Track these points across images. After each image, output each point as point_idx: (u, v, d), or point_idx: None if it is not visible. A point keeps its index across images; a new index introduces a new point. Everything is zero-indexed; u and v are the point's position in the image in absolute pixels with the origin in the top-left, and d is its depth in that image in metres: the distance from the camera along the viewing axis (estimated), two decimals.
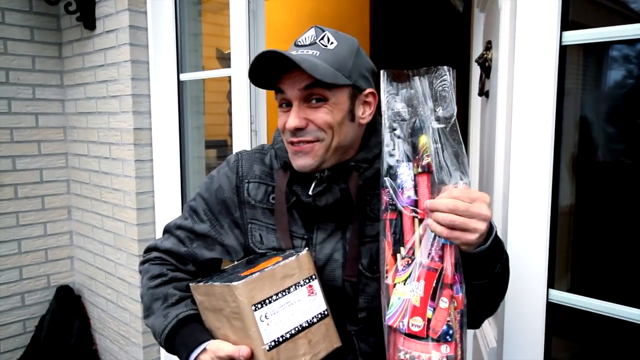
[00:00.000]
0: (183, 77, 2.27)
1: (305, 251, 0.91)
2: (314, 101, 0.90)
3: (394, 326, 0.79)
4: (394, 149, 0.81)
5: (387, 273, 0.82)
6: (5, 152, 2.54)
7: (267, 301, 0.83)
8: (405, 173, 0.80)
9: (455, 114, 0.79)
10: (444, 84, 0.79)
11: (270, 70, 0.90)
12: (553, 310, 1.12)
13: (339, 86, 0.90)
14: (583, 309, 1.08)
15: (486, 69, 1.54)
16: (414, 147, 0.81)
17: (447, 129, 0.79)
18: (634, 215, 1.18)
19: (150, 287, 1.01)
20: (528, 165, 1.10)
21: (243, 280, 0.81)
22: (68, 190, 2.77)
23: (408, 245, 0.80)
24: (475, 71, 1.90)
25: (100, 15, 2.32)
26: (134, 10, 2.18)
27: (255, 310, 0.82)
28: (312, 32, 0.94)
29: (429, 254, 0.78)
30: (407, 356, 0.77)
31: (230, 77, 1.96)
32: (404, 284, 0.79)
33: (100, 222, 2.55)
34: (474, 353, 1.69)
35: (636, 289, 1.11)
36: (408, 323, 0.77)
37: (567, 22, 1.05)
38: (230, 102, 1.96)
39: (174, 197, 2.34)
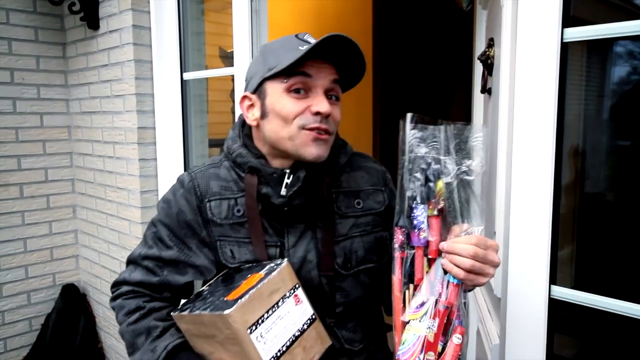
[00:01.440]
0: (186, 76, 2.28)
1: (285, 262, 0.91)
2: (333, 98, 0.94)
3: None
4: (414, 192, 0.84)
5: (397, 310, 0.86)
6: (11, 151, 2.56)
7: (259, 321, 0.84)
8: (422, 215, 0.84)
9: (482, 171, 0.83)
10: (478, 141, 0.83)
11: (311, 52, 0.88)
12: (555, 307, 1.12)
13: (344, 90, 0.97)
14: (585, 305, 1.08)
15: (488, 66, 1.54)
16: (430, 190, 0.84)
17: (472, 181, 0.84)
18: (636, 211, 1.18)
19: (129, 323, 0.98)
20: (530, 162, 1.10)
21: (234, 307, 0.80)
22: (73, 190, 2.79)
23: (421, 284, 0.85)
24: (478, 68, 1.90)
25: (103, 15, 2.33)
26: (138, 10, 2.19)
27: (251, 332, 0.82)
28: (313, 38, 0.96)
29: (440, 292, 0.83)
30: None
31: (233, 75, 1.97)
32: (420, 321, 0.84)
33: (105, 221, 2.56)
34: (477, 349, 1.69)
35: (638, 284, 1.11)
36: (423, 358, 0.83)
37: (569, 19, 1.05)
38: (233, 101, 1.97)
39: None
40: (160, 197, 2.33)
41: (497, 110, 1.34)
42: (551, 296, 1.11)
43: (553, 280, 1.11)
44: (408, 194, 0.84)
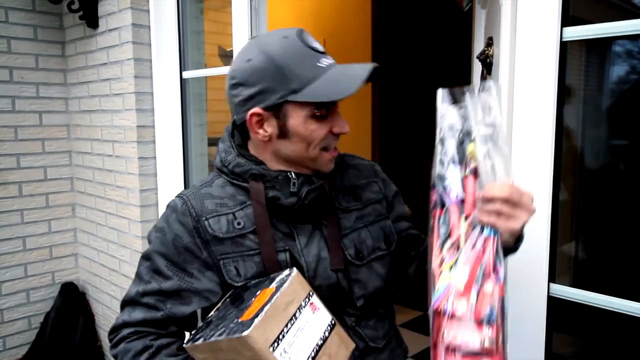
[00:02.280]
0: (186, 74, 2.28)
1: (295, 271, 0.88)
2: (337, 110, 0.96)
3: (439, 309, 0.83)
4: (444, 156, 0.87)
5: (433, 263, 0.87)
6: (10, 150, 2.56)
7: (280, 337, 0.80)
8: (453, 176, 0.86)
9: (499, 122, 0.84)
10: (492, 96, 0.85)
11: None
12: (554, 305, 1.13)
13: None
14: (584, 303, 1.09)
15: (487, 65, 1.54)
16: (463, 154, 0.86)
17: (493, 136, 0.85)
18: (634, 210, 1.18)
19: None
20: (529, 160, 1.11)
21: (252, 327, 0.76)
22: (72, 188, 2.79)
23: (454, 237, 0.85)
24: (477, 68, 1.90)
25: (103, 13, 2.33)
26: (137, 9, 2.18)
27: (274, 350, 0.78)
28: (311, 37, 0.94)
29: (474, 245, 0.83)
30: (451, 336, 0.80)
31: None
32: (450, 271, 0.84)
33: (104, 220, 2.56)
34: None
35: (637, 282, 1.11)
36: (452, 305, 0.81)
37: (568, 18, 1.06)
38: None
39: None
40: (159, 195, 2.33)
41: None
42: (550, 294, 1.12)
43: (552, 278, 1.12)
44: (440, 158, 0.87)
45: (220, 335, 0.81)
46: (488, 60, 1.52)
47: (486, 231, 0.82)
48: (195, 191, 0.99)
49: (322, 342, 0.85)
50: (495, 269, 0.81)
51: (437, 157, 0.87)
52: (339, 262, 0.97)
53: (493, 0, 1.53)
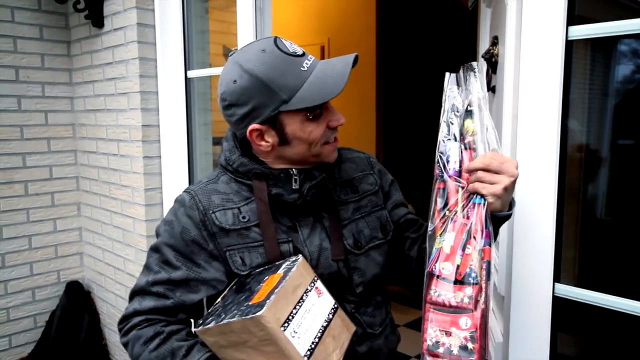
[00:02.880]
0: (190, 74, 2.29)
1: (300, 258, 0.94)
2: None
3: (431, 271, 0.90)
4: (447, 134, 0.93)
5: (430, 229, 0.93)
6: (16, 149, 2.57)
7: (290, 317, 0.85)
8: (453, 150, 0.92)
9: (477, 97, 0.92)
10: (475, 76, 0.94)
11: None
12: (559, 304, 1.12)
13: None
14: (589, 303, 1.09)
15: (493, 64, 1.54)
16: (461, 129, 0.93)
17: (482, 111, 0.92)
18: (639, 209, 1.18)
19: (151, 351, 0.96)
20: (534, 160, 1.10)
21: (265, 308, 0.81)
22: (77, 187, 2.80)
23: (450, 206, 0.92)
24: (482, 67, 1.90)
25: (108, 13, 2.34)
26: (142, 8, 2.19)
27: (285, 330, 0.83)
28: (288, 41, 0.97)
29: (464, 212, 0.89)
30: (437, 294, 0.88)
31: None
32: (440, 236, 0.90)
33: (109, 218, 2.57)
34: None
35: None
36: (439, 267, 0.88)
37: (574, 17, 1.05)
38: None
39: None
40: (164, 194, 2.34)
41: (501, 108, 1.34)
42: (555, 294, 1.11)
43: (557, 278, 1.11)
44: (442, 135, 0.93)
45: (232, 317, 0.85)
46: (493, 59, 1.52)
47: (475, 199, 0.88)
48: (203, 186, 1.04)
49: (326, 324, 0.90)
50: (481, 234, 0.87)
51: (440, 136, 0.94)
52: (340, 253, 1.03)
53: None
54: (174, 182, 2.35)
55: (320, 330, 0.89)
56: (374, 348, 1.08)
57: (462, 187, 0.90)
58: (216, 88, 1.01)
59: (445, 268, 0.88)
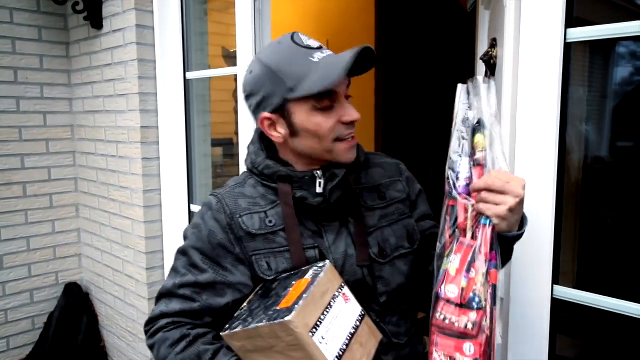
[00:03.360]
0: (189, 75, 2.28)
1: (328, 264, 0.93)
2: (347, 98, 0.97)
3: (437, 292, 0.89)
4: (457, 148, 0.91)
5: (438, 249, 0.93)
6: (14, 150, 2.57)
7: (318, 323, 0.84)
8: (463, 166, 0.90)
9: (488, 112, 0.89)
10: (482, 93, 0.91)
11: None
12: (558, 307, 1.12)
13: None
14: (588, 305, 1.09)
15: (491, 66, 1.54)
16: (471, 144, 0.91)
17: (493, 126, 0.90)
18: (639, 211, 1.18)
19: (177, 353, 0.96)
20: (533, 162, 1.10)
21: (294, 313, 0.80)
22: (76, 189, 2.80)
23: (457, 224, 0.90)
24: (480, 69, 1.90)
25: (107, 14, 2.34)
26: (141, 10, 2.19)
27: (313, 335, 0.82)
28: (306, 37, 0.97)
29: (473, 232, 0.87)
30: (442, 317, 0.87)
31: (236, 75, 1.97)
32: (447, 257, 0.90)
33: (108, 220, 2.57)
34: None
35: None
36: (445, 290, 0.88)
37: (572, 19, 1.06)
38: (236, 101, 1.97)
39: (180, 194, 2.36)
40: (163, 196, 2.34)
41: (499, 110, 1.34)
42: (554, 296, 1.12)
43: (556, 280, 1.11)
44: (453, 149, 0.91)
45: (259, 322, 0.84)
46: (492, 61, 1.52)
47: (482, 220, 0.86)
48: (230, 190, 1.05)
49: (354, 330, 0.89)
50: (486, 256, 0.85)
51: (451, 149, 0.91)
52: (365, 258, 1.01)
53: (497, 1, 1.53)
54: (173, 184, 2.35)
55: (348, 337, 0.88)
56: (400, 358, 1.05)
57: (473, 206, 0.88)
58: (215, 90, 1.02)
59: (450, 291, 0.87)
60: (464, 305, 0.85)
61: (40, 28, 2.59)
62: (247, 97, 1.00)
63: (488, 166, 0.88)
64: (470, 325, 0.84)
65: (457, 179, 0.89)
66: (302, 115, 0.94)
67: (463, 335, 0.84)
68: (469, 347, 0.84)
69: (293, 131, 0.96)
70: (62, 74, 2.69)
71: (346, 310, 0.90)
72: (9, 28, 2.49)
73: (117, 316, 2.62)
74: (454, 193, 0.89)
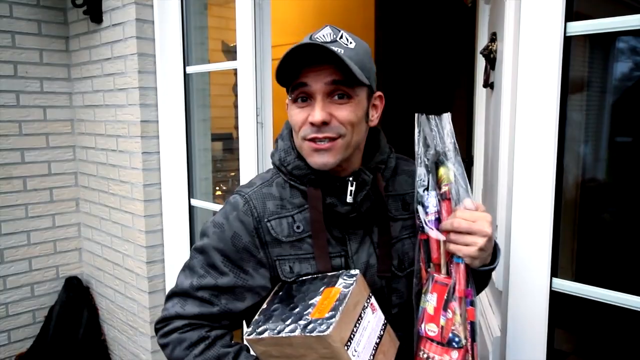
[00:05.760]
0: (189, 69, 2.28)
1: (359, 273, 0.91)
2: (336, 97, 0.89)
3: (417, 330, 0.92)
4: (424, 180, 0.91)
5: (415, 286, 0.94)
6: (14, 144, 2.57)
7: (352, 337, 0.83)
8: (431, 200, 0.90)
9: (450, 142, 0.90)
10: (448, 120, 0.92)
11: (294, 63, 0.88)
12: (556, 299, 1.13)
13: (360, 85, 0.90)
14: (587, 297, 1.09)
15: (491, 60, 1.55)
16: (434, 178, 0.91)
17: (455, 158, 0.90)
18: (637, 204, 1.18)
19: (196, 355, 0.94)
20: (532, 155, 1.11)
21: (332, 326, 0.79)
22: (76, 183, 2.80)
23: (432, 259, 0.91)
24: (480, 63, 1.90)
25: (107, 8, 2.34)
26: (141, 4, 2.19)
27: (348, 349, 0.81)
28: (328, 30, 0.92)
29: (447, 268, 0.89)
30: (425, 355, 0.90)
31: (236, 69, 1.97)
32: (424, 295, 0.91)
33: (108, 214, 2.57)
34: (478, 342, 1.70)
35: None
36: (425, 328, 0.90)
37: (572, 13, 1.06)
38: (236, 95, 1.97)
39: (180, 189, 2.36)
40: (163, 190, 2.34)
41: (499, 104, 1.34)
42: (552, 289, 1.12)
43: (554, 273, 1.12)
44: (419, 182, 0.91)
45: (292, 331, 0.83)
46: (492, 55, 1.52)
47: (455, 258, 0.88)
48: (257, 190, 1.00)
49: (379, 340, 0.89)
50: (464, 294, 0.87)
51: (417, 181, 0.91)
52: (386, 270, 0.99)
53: None
54: (173, 177, 2.35)
55: (374, 347, 0.87)
56: None
57: (445, 242, 0.88)
58: (215, 84, 1.01)
59: (430, 329, 0.89)
60: (444, 344, 0.87)
61: (40, 22, 2.59)
62: None
63: (454, 199, 0.89)
64: None
65: (427, 213, 0.90)
66: (288, 104, 0.95)
67: None
68: None
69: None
70: (62, 68, 2.68)
71: (373, 320, 0.90)
72: (8, 22, 2.49)
73: (118, 310, 2.63)
74: (426, 228, 0.89)
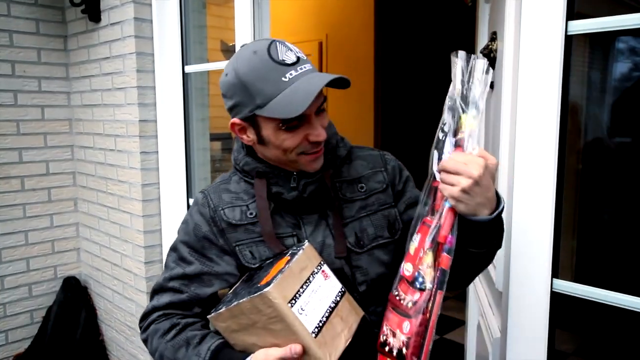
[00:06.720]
0: (188, 69, 2.28)
1: (307, 243, 0.97)
2: (320, 111, 0.97)
3: (399, 270, 0.92)
4: (443, 125, 0.88)
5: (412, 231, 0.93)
6: (12, 144, 2.56)
7: (297, 295, 0.88)
8: (446, 146, 0.87)
9: (480, 91, 0.85)
10: (478, 71, 0.87)
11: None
12: (557, 300, 1.12)
13: None
14: (588, 298, 1.09)
15: (491, 60, 1.54)
16: (457, 124, 0.88)
17: (478, 106, 0.86)
18: (638, 204, 1.18)
19: (167, 341, 1.01)
20: (533, 155, 1.10)
21: (272, 285, 0.84)
22: (74, 182, 2.79)
23: (436, 209, 0.89)
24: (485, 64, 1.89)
25: (105, 7, 2.33)
26: (139, 3, 2.18)
27: (292, 306, 0.86)
28: (285, 47, 0.94)
29: (440, 214, 0.87)
30: (396, 293, 0.92)
31: None
32: (411, 238, 0.92)
33: (106, 214, 2.57)
34: (478, 343, 1.70)
35: None
36: (403, 268, 0.91)
37: (573, 12, 1.05)
38: None
39: (179, 188, 2.35)
40: (161, 190, 2.34)
41: (499, 103, 1.34)
42: (553, 289, 1.12)
43: (555, 274, 1.11)
44: (440, 126, 0.88)
45: (241, 298, 0.88)
46: (492, 55, 1.52)
47: (445, 202, 0.86)
48: (216, 186, 1.10)
49: (334, 305, 0.93)
50: (444, 240, 0.85)
51: (440, 125, 0.89)
52: (342, 250, 1.03)
53: None
54: (171, 177, 2.34)
55: (328, 311, 0.91)
56: None
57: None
58: (214, 84, 1.02)
59: (406, 269, 0.90)
60: (410, 282, 0.88)
61: (38, 21, 2.58)
62: (222, 96, 1.02)
63: (466, 148, 0.85)
64: (410, 304, 0.86)
65: (440, 159, 0.87)
66: (269, 130, 0.96)
67: (404, 313, 0.87)
68: (406, 325, 0.86)
69: (261, 140, 0.99)
70: (60, 67, 2.67)
71: (325, 286, 0.94)
72: (5, 21, 2.48)
73: (116, 310, 2.62)
74: (435, 174, 0.88)
